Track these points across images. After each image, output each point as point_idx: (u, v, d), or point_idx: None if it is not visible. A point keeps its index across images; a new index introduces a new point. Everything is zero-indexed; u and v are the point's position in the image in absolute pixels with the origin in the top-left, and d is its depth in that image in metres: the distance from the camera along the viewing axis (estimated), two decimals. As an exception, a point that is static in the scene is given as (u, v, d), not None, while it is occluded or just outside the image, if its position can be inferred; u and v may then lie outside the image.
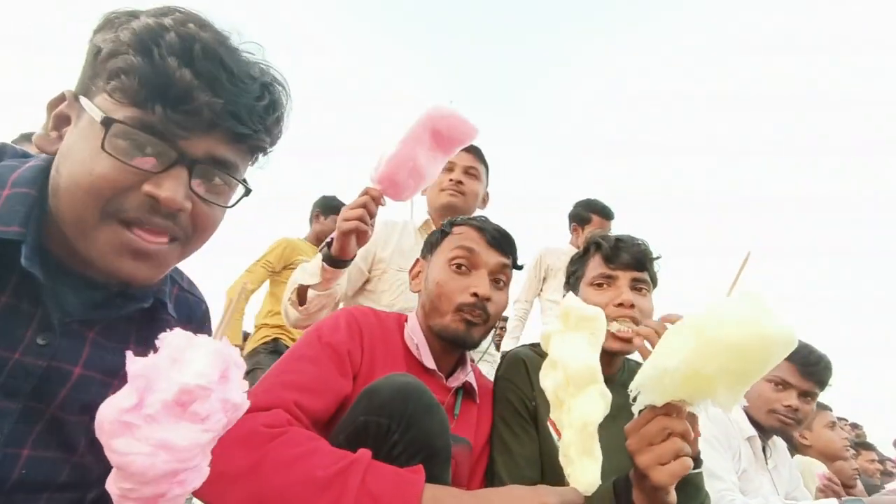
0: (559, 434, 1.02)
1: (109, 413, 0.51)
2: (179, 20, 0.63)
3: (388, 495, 0.72)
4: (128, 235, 0.64)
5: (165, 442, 0.50)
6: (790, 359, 1.63)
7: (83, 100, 0.64)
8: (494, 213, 1.94)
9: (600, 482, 0.78)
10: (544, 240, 3.25)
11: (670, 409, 0.78)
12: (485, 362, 1.94)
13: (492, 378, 1.26)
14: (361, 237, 1.28)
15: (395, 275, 1.73)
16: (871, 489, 2.65)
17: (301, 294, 1.44)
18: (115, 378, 0.72)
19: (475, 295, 1.07)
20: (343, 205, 1.34)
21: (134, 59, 0.60)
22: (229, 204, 0.73)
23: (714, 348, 0.69)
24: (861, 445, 3.70)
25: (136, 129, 0.62)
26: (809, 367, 1.66)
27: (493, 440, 1.12)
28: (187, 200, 0.66)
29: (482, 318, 1.08)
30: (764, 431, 1.71)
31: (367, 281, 1.78)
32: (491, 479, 1.06)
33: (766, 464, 1.70)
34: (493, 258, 1.12)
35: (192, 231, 0.70)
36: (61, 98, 0.68)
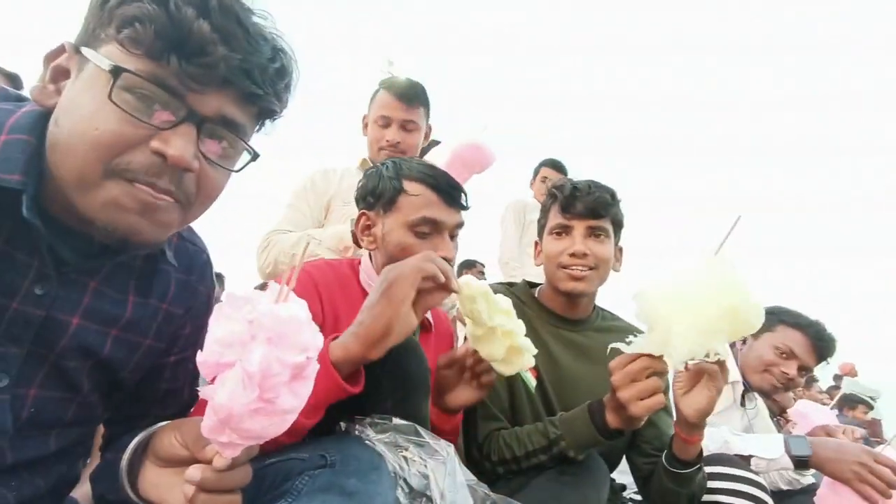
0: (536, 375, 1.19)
1: (237, 408, 0.56)
2: None
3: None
4: (134, 189, 0.61)
5: (289, 409, 0.59)
6: (805, 332, 1.74)
7: (87, 50, 0.61)
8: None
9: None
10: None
11: None
12: None
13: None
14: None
15: (341, 209, 1.75)
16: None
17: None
18: (114, 328, 0.73)
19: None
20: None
21: (149, 7, 0.57)
22: (235, 168, 0.71)
23: (720, 314, 0.83)
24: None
25: (147, 82, 0.59)
26: (821, 344, 1.75)
27: None
28: (195, 160, 0.63)
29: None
30: (747, 387, 1.83)
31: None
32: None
33: (744, 406, 1.83)
34: (452, 218, 1.12)
35: (195, 195, 0.67)
36: (60, 50, 0.65)
